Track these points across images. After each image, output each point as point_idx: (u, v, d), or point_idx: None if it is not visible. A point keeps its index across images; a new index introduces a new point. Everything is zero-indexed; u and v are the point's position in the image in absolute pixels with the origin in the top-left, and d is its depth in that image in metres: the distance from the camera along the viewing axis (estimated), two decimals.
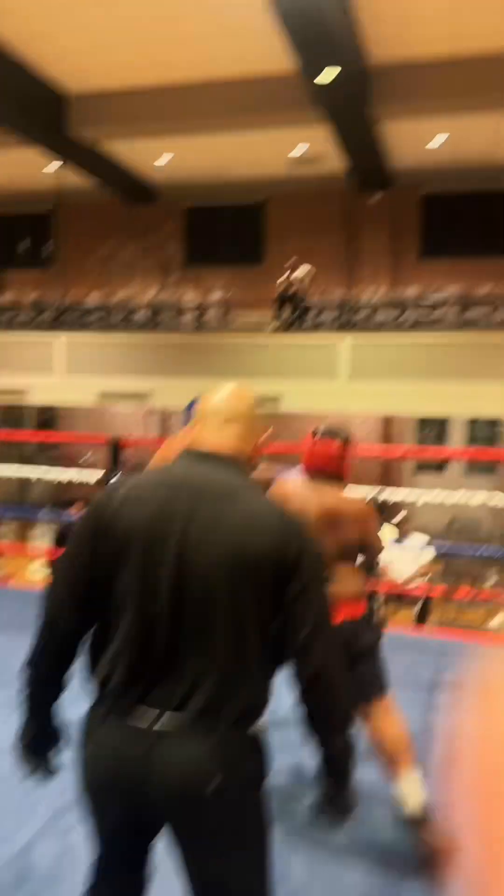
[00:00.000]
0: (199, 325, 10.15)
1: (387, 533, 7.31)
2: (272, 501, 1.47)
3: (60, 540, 7.24)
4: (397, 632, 4.77)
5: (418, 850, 2.01)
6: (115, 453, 4.40)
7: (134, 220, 12.96)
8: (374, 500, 8.85)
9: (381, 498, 8.13)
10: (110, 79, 9.27)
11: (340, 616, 2.22)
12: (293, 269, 9.90)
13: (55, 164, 10.85)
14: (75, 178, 11.29)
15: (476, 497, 4.31)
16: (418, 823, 2.05)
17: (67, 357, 9.74)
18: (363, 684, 2.28)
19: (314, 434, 2.45)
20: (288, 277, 9.90)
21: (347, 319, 9.49)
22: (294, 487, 2.41)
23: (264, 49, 8.28)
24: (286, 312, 9.89)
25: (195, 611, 1.29)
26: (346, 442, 2.42)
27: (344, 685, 1.37)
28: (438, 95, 8.67)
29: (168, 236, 12.98)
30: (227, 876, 1.34)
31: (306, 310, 9.86)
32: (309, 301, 9.93)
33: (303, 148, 10.79)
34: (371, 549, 2.46)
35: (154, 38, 8.20)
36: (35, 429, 14.11)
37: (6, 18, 7.82)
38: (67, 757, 1.45)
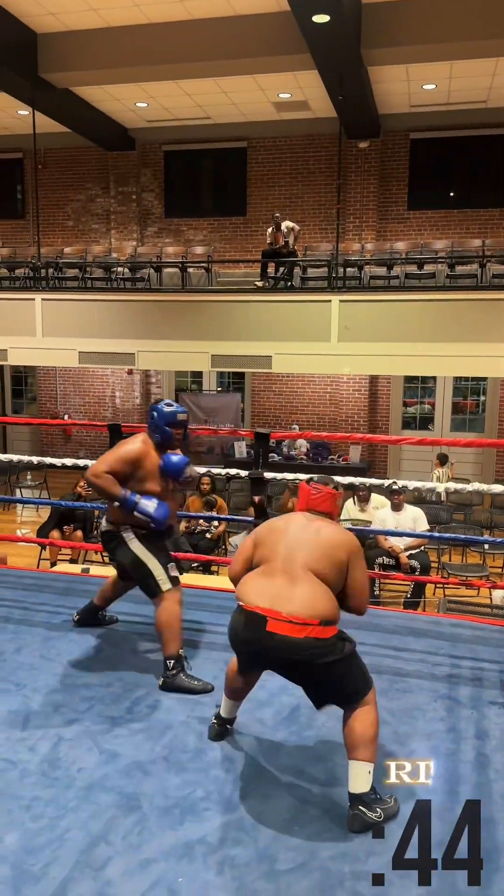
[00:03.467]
0: (183, 283, 9.79)
1: (381, 503, 7.30)
2: None
3: (61, 521, 7.10)
4: (401, 615, 4.74)
5: (349, 821, 2.33)
6: (115, 439, 4.20)
7: (110, 168, 12.40)
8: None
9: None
10: (85, 18, 8.66)
11: (302, 633, 2.34)
12: (279, 222, 9.53)
13: (26, 108, 10.24)
14: (48, 122, 10.69)
15: (471, 485, 4.25)
16: (353, 800, 2.34)
17: (45, 317, 9.37)
18: (331, 696, 2.47)
19: (308, 480, 2.74)
20: (274, 231, 9.54)
21: (336, 277, 9.20)
22: (286, 516, 2.73)
23: None
24: (273, 269, 9.56)
25: None
26: (337, 489, 2.72)
27: None
28: (431, 39, 8.25)
29: (146, 185, 12.47)
30: None
31: (293, 266, 9.54)
32: (296, 258, 9.60)
33: (288, 93, 10.30)
34: (355, 581, 2.53)
35: None
36: (11, 386, 13.78)
37: None
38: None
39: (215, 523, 6.92)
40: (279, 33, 8.32)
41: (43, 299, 9.46)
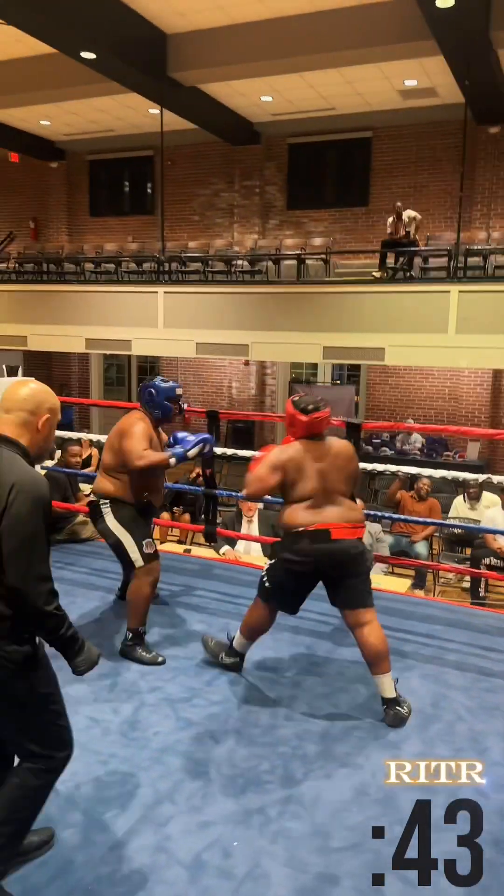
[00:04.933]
0: (300, 275, 9.85)
1: (493, 502, 7.05)
2: (7, 467, 1.87)
3: (172, 503, 7.43)
4: (495, 616, 4.58)
5: (387, 719, 2.89)
6: (214, 424, 4.35)
7: (236, 162, 12.64)
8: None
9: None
10: (211, 16, 8.88)
11: (355, 535, 2.97)
12: (400, 211, 9.36)
13: (156, 107, 10.65)
14: (177, 120, 11.06)
15: None
16: (388, 704, 2.90)
17: (167, 309, 9.74)
18: (359, 594, 2.97)
19: (305, 410, 3.00)
20: (395, 221, 9.38)
21: (457, 267, 8.93)
22: (298, 448, 3.01)
23: None
24: (392, 260, 9.41)
25: None
26: (326, 406, 3.06)
27: (34, 602, 1.83)
28: None
29: (270, 178, 12.60)
30: None
31: (413, 256, 9.34)
32: (417, 248, 9.40)
33: (414, 80, 10.07)
34: (358, 479, 3.19)
35: None
36: (137, 375, 14.41)
37: None
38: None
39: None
40: (404, 20, 8.14)
41: (165, 292, 9.83)
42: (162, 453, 3.42)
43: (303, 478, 2.96)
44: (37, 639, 1.93)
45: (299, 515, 2.95)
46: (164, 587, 4.25)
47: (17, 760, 2.05)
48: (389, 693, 2.91)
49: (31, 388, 2.00)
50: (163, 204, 11.32)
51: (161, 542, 7.12)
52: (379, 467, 4.39)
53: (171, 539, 7.34)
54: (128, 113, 11.89)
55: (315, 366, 12.66)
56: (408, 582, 5.81)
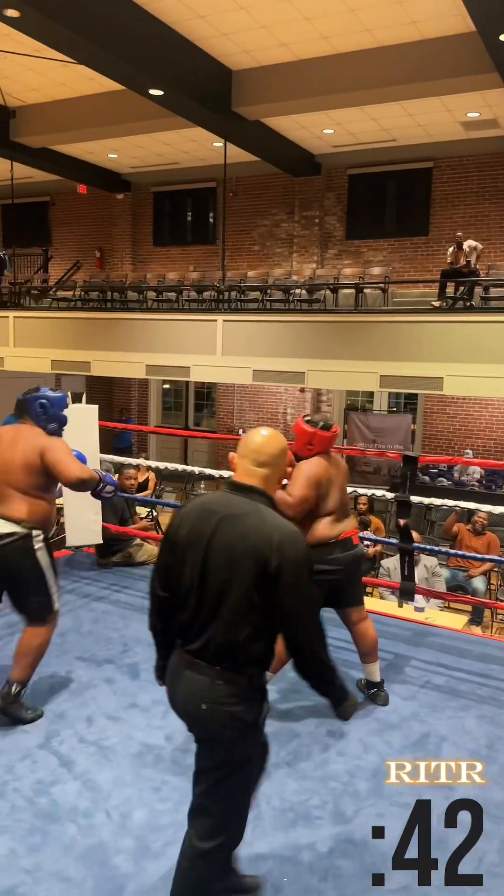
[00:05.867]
0: (358, 304, 9.88)
1: None
2: (270, 522, 1.83)
3: None
4: None
5: (378, 700, 3.31)
6: None
7: (296, 193, 12.82)
8: None
9: None
10: (276, 53, 9.10)
11: (356, 540, 3.30)
12: (461, 241, 9.33)
13: (220, 141, 10.92)
14: (239, 153, 11.31)
15: None
16: (377, 686, 3.34)
17: (225, 337, 9.88)
18: (361, 592, 3.41)
19: (326, 427, 3.21)
20: (455, 251, 9.35)
21: None
22: (323, 463, 3.20)
23: (434, 9, 7.74)
24: (452, 289, 9.36)
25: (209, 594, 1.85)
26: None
27: (315, 656, 1.87)
28: None
29: (329, 208, 12.73)
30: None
31: (473, 286, 9.27)
32: (478, 277, 9.34)
33: (477, 112, 10.07)
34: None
35: (318, 10, 7.92)
36: (195, 401, 14.61)
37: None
38: None
39: (367, 543, 6.89)
40: (466, 54, 8.18)
41: (224, 320, 9.98)
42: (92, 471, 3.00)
43: (330, 492, 3.19)
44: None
45: (327, 528, 3.19)
46: None
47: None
48: (378, 678, 3.33)
49: (281, 446, 1.97)
50: (224, 234, 11.55)
51: None
52: (436, 501, 4.33)
53: None
54: (192, 146, 12.23)
55: (371, 393, 12.62)
56: (464, 618, 5.70)
